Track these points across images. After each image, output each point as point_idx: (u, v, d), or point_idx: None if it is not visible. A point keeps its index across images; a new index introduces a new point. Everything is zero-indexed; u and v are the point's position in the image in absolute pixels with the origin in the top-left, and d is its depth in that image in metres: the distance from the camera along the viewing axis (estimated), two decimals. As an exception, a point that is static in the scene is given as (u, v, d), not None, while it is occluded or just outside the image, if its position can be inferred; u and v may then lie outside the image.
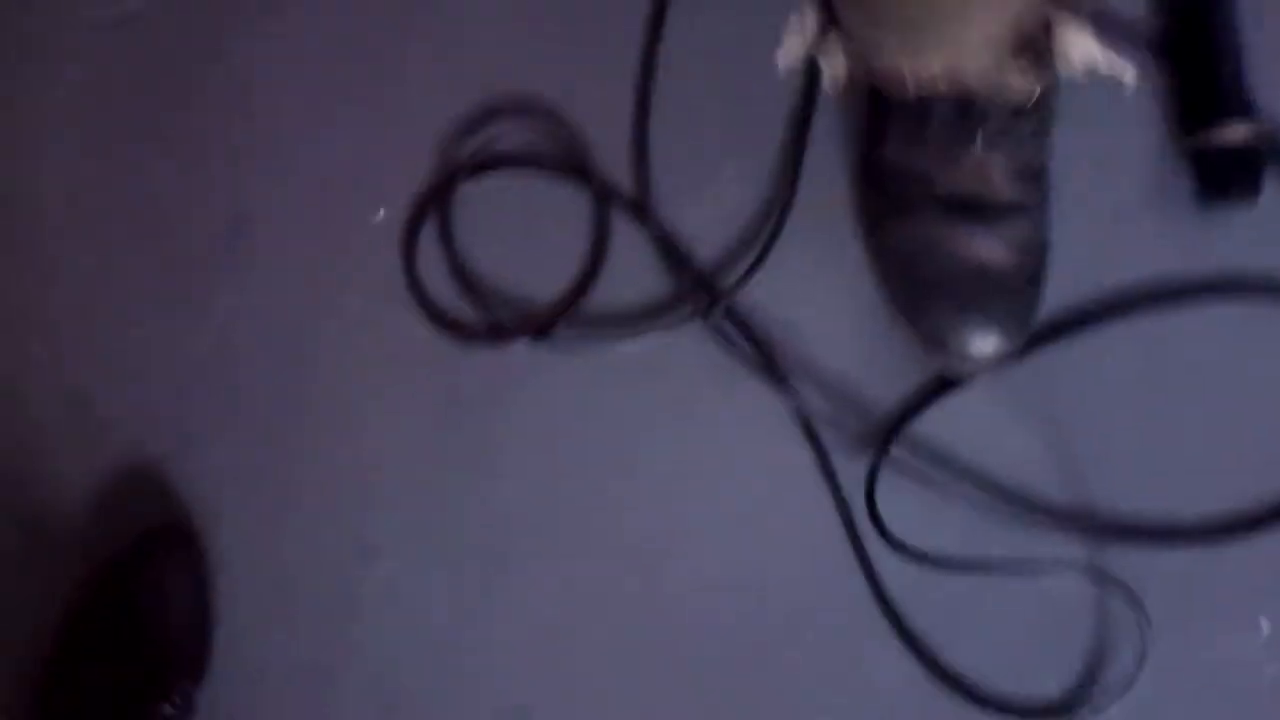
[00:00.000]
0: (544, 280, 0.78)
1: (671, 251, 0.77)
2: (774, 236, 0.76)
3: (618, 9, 0.80)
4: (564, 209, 0.78)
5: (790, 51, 0.73)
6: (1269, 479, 0.74)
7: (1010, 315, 0.70)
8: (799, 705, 0.73)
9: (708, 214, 0.78)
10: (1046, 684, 0.73)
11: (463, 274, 0.77)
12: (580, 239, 0.78)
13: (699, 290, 0.77)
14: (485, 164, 0.78)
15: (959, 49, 0.64)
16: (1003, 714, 0.72)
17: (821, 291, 0.77)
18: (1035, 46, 0.66)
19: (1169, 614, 0.72)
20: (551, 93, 0.80)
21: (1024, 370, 0.75)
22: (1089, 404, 0.75)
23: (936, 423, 0.75)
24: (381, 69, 0.81)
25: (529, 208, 0.78)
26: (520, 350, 0.76)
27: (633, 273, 0.77)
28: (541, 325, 0.76)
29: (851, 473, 0.75)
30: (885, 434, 0.75)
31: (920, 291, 0.71)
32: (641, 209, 0.78)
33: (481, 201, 0.78)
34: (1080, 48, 0.67)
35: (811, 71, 0.76)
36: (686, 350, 0.76)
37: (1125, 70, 0.69)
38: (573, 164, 0.78)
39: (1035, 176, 0.70)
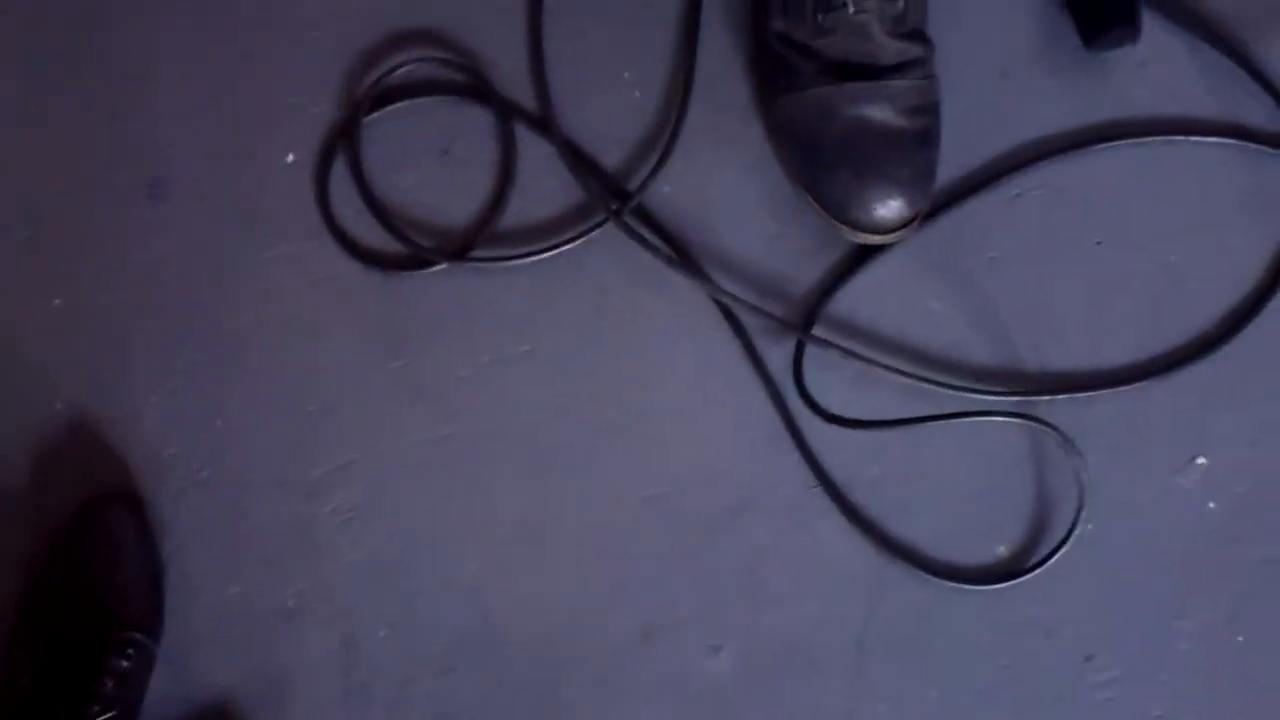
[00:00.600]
0: (459, 203, 0.78)
1: (578, 160, 0.78)
2: (675, 133, 0.77)
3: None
4: (470, 131, 0.79)
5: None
6: (1186, 317, 0.76)
7: (910, 177, 0.72)
8: (753, 586, 0.74)
9: (611, 119, 0.79)
10: (994, 545, 0.74)
11: (377, 205, 0.78)
12: (489, 159, 0.79)
13: (609, 194, 0.78)
14: (387, 96, 0.79)
15: None
16: (954, 581, 0.73)
17: (729, 181, 0.78)
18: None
19: (1106, 462, 0.74)
20: (445, 19, 0.80)
21: (933, 234, 0.76)
22: (1002, 261, 0.77)
23: (856, 297, 0.76)
24: (270, 15, 0.81)
25: (435, 134, 0.79)
26: (442, 273, 0.77)
27: (543, 185, 0.78)
28: (460, 247, 0.77)
29: (779, 356, 0.76)
30: (807, 313, 0.76)
31: (820, 162, 0.72)
32: (545, 122, 0.78)
33: (388, 134, 0.79)
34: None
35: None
36: (604, 254, 0.77)
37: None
38: (473, 86, 0.79)
39: (913, 35, 0.71)
